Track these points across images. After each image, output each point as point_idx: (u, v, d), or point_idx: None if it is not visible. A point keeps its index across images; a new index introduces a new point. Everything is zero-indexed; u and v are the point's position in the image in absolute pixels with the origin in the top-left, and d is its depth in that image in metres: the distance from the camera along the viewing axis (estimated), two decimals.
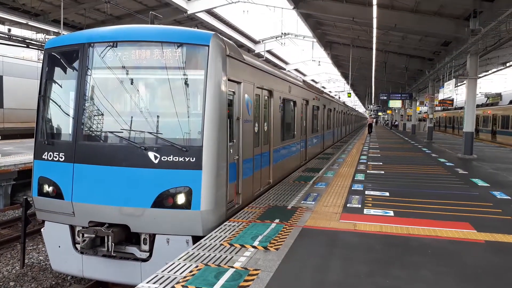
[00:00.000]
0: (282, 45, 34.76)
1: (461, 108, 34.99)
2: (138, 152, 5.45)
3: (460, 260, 4.72)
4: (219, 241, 5.11)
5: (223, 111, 5.69)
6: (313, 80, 56.45)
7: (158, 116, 5.60)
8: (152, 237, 5.53)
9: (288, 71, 13.44)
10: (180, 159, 5.37)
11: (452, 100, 34.03)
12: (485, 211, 7.09)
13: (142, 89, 5.78)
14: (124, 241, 5.62)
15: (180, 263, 4.36)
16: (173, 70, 5.59)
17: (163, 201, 5.37)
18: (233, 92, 6.38)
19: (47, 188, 5.87)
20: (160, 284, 3.84)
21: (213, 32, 5.79)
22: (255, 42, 33.66)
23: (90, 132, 5.77)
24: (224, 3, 22.43)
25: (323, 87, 59.38)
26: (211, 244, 5.02)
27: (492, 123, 31.54)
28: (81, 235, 5.49)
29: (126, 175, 5.47)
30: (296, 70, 47.65)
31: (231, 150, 6.25)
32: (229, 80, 5.96)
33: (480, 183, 10.09)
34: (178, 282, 3.88)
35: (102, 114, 5.76)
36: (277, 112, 9.24)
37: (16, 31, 21.91)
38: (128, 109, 5.77)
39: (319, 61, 41.27)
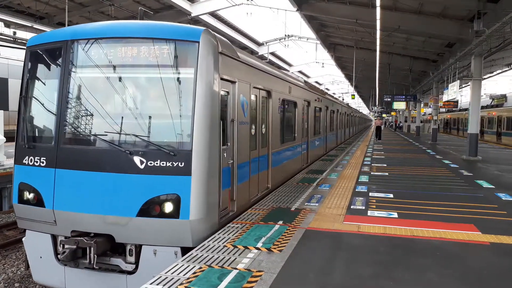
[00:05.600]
0: (286, 47, 34.81)
1: (466, 109, 34.84)
2: (123, 157, 5.10)
3: (465, 262, 4.69)
4: (223, 243, 5.11)
5: (215, 112, 5.33)
6: (317, 82, 56.42)
7: (144, 118, 5.26)
8: (138, 248, 5.17)
9: (292, 72, 13.16)
10: (167, 164, 5.01)
11: (457, 101, 33.88)
12: (490, 213, 7.05)
13: (127, 89, 5.41)
14: (109, 252, 5.28)
15: (183, 265, 4.37)
16: (161, 68, 5.25)
17: (150, 209, 5.00)
18: (227, 92, 6.04)
19: (27, 195, 5.49)
20: (164, 285, 3.84)
21: (204, 28, 5.45)
22: (259, 44, 33.72)
23: (73, 135, 5.44)
24: (228, 5, 22.49)
25: (327, 88, 59.30)
26: (214, 245, 5.02)
27: (497, 125, 31.36)
28: (62, 245, 5.15)
29: (110, 181, 5.12)
30: (300, 72, 47.65)
31: (225, 154, 5.88)
32: (222, 79, 5.61)
33: (485, 184, 10.03)
34: (181, 284, 3.88)
35: (86, 116, 5.43)
36: (276, 114, 8.91)
37: (21, 34, 22.08)
38: (113, 111, 5.41)
39: (323, 63, 41.24)
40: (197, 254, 4.70)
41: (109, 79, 5.40)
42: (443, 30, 18.19)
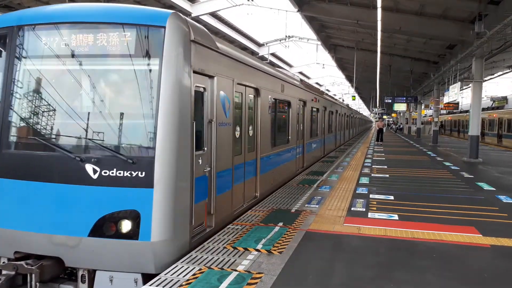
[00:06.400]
0: (286, 47, 34.82)
1: (467, 111, 34.84)
2: (72, 164, 4.33)
3: (465, 265, 4.68)
4: (222, 244, 5.09)
5: (185, 111, 4.55)
6: (317, 83, 56.43)
7: (99, 118, 4.50)
8: (92, 273, 4.40)
9: (293, 74, 12.94)
10: (125, 174, 4.26)
11: (458, 103, 33.86)
12: (490, 215, 7.03)
13: (81, 83, 4.63)
14: (60, 278, 4.53)
15: (183, 266, 4.35)
16: (120, 59, 4.50)
17: (104, 228, 4.26)
18: (203, 89, 5.26)
19: None
20: (163, 286, 3.83)
21: (172, 11, 4.67)
22: (259, 45, 33.72)
23: (16, 139, 4.63)
24: (228, 5, 22.51)
25: (327, 90, 59.35)
26: (214, 247, 5.00)
27: (498, 127, 31.34)
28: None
29: (58, 194, 4.35)
30: (301, 73, 47.65)
31: (200, 161, 5.12)
32: (195, 72, 4.84)
33: (486, 187, 10.01)
34: (181, 285, 3.86)
35: (31, 116, 4.64)
36: (266, 114, 8.11)
37: None
38: (62, 109, 4.59)
39: (324, 64, 41.25)
40: (196, 256, 4.68)
41: (60, 72, 4.66)
42: (444, 31, 18.18)
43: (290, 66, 44.83)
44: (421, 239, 5.57)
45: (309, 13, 19.68)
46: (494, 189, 9.71)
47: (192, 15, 21.83)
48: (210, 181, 5.48)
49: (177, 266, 4.36)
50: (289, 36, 32.54)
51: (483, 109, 31.00)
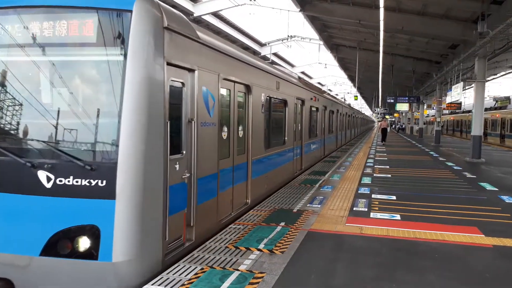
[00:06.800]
0: (288, 47, 34.80)
1: (469, 111, 34.74)
2: (23, 171, 3.76)
3: (468, 265, 4.67)
4: (224, 244, 5.10)
5: (156, 109, 3.98)
6: (319, 83, 56.39)
7: (54, 117, 3.91)
8: None
9: (291, 71, 12.68)
10: (83, 183, 3.69)
11: (460, 103, 33.78)
12: (493, 216, 7.01)
13: (34, 76, 4.07)
14: None
15: (185, 265, 4.36)
16: (80, 48, 3.93)
17: (58, 246, 3.69)
18: (182, 84, 4.66)
19: None
20: (165, 286, 3.83)
21: None
22: (261, 44, 33.72)
23: None
24: (230, 5, 22.52)
25: (329, 89, 59.33)
26: (216, 246, 5.01)
27: (500, 127, 31.25)
28: None
29: (5, 206, 3.80)
30: (303, 72, 47.65)
31: (177, 166, 4.53)
32: (170, 64, 4.26)
33: (488, 187, 9.99)
34: (183, 284, 3.87)
35: None
36: (258, 114, 7.51)
37: None
38: (12, 107, 4.05)
39: (326, 64, 41.25)
40: (198, 255, 4.68)
41: (10, 63, 4.09)
42: (446, 31, 18.14)
43: (292, 66, 44.83)
44: (423, 239, 5.56)
45: (311, 13, 19.67)
46: (496, 189, 9.68)
47: (195, 15, 21.86)
48: (190, 188, 4.86)
49: (179, 265, 4.37)
50: (291, 36, 32.53)
51: (486, 109, 30.89)
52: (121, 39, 3.87)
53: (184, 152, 4.74)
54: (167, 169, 4.20)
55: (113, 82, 3.86)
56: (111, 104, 3.86)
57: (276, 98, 8.89)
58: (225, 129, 6.07)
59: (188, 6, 21.38)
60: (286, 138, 9.97)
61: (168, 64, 4.21)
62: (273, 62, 32.16)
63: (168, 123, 4.19)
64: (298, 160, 11.53)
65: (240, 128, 6.78)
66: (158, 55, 4.04)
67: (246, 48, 29.83)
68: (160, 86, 4.06)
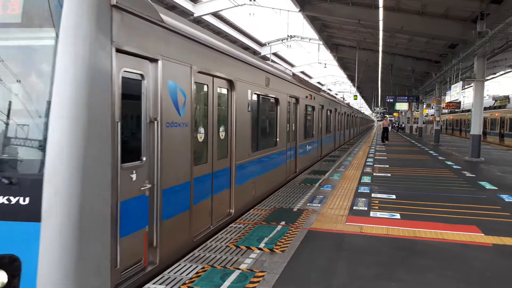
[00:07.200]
0: (288, 47, 34.81)
1: (468, 110, 34.77)
2: None
3: (467, 264, 4.69)
4: (225, 243, 5.12)
5: (99, 106, 3.17)
6: (319, 83, 56.41)
7: None
8: None
9: (286, 68, 12.36)
10: (0, 201, 2.93)
11: (459, 102, 33.82)
12: (492, 214, 7.04)
13: None
14: None
15: (186, 265, 4.38)
16: (2, 30, 3.16)
17: None
18: (140, 76, 3.90)
19: None
20: (167, 285, 3.86)
21: None
22: (261, 44, 33.74)
23: None
24: (230, 5, 22.55)
25: (329, 89, 59.33)
26: (217, 245, 5.03)
27: (500, 126, 31.29)
28: None
29: None
30: (302, 72, 47.68)
31: (133, 176, 3.76)
32: (122, 52, 3.50)
33: (488, 186, 10.01)
34: (184, 283, 3.89)
35: None
36: (244, 113, 6.73)
37: None
38: None
39: (325, 64, 41.25)
40: (199, 254, 4.71)
41: None
42: (446, 31, 18.16)
43: (292, 65, 44.86)
44: (423, 238, 5.59)
45: (311, 13, 19.69)
46: (496, 188, 9.71)
47: (195, 15, 21.88)
48: (153, 202, 4.07)
49: (180, 264, 4.39)
50: (291, 35, 32.54)
51: (485, 108, 30.93)
52: (52, 18, 3.08)
53: (144, 158, 3.94)
54: (117, 180, 3.41)
55: (41, 72, 3.13)
56: (38, 99, 3.08)
57: (265, 96, 8.21)
58: (202, 130, 5.32)
59: (188, 6, 21.40)
60: (278, 139, 9.20)
61: (119, 51, 3.44)
62: (273, 62, 32.15)
63: (119, 123, 3.41)
64: (292, 162, 10.81)
65: (222, 129, 6.01)
66: (103, 39, 3.22)
67: (246, 48, 29.87)
68: (106, 78, 3.24)
